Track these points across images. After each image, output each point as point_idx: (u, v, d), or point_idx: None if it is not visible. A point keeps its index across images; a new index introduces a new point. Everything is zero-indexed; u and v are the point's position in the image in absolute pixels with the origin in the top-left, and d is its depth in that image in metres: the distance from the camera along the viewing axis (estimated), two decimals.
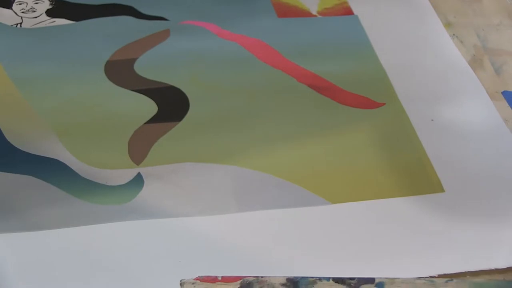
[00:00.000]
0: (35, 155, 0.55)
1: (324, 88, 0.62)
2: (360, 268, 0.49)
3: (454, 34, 0.67)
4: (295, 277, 0.45)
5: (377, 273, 0.48)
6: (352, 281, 0.45)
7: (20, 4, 0.70)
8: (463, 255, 0.50)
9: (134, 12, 0.69)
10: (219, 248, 0.50)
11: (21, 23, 0.68)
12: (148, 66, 0.63)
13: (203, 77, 0.63)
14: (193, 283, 0.45)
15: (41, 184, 0.53)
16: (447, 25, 0.68)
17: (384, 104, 0.61)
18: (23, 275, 0.48)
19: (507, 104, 0.61)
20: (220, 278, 0.45)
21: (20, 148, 0.56)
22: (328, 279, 0.45)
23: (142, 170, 0.55)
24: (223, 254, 0.50)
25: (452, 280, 0.46)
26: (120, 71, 0.63)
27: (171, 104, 0.60)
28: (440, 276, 0.48)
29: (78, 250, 0.49)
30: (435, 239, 0.51)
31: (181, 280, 0.45)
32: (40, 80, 0.62)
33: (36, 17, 0.69)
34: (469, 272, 0.49)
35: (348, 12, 0.70)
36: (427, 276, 0.48)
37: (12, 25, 0.68)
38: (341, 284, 0.45)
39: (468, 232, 0.51)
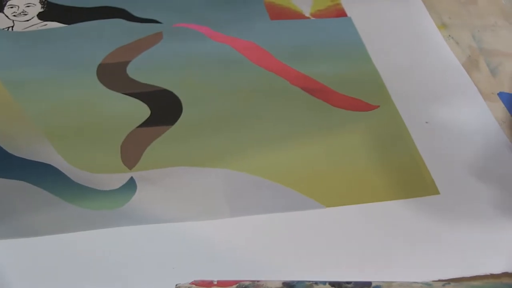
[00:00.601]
0: (26, 159, 0.55)
1: (317, 91, 0.62)
2: (354, 272, 0.49)
3: (449, 35, 0.67)
4: (291, 281, 0.45)
5: (372, 277, 0.48)
6: (349, 285, 0.45)
7: (11, 7, 0.70)
8: (458, 259, 0.50)
9: (127, 15, 0.69)
10: (212, 254, 0.50)
11: (12, 27, 0.68)
12: (140, 69, 0.63)
13: (196, 80, 0.62)
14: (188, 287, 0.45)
15: (32, 189, 0.53)
16: (442, 26, 0.68)
17: (378, 106, 0.61)
18: (14, 282, 0.47)
19: (502, 105, 0.60)
20: (215, 283, 0.45)
21: (12, 153, 0.55)
22: (324, 283, 0.45)
23: (135, 174, 0.54)
24: (216, 260, 0.49)
25: (449, 283, 0.45)
26: (113, 75, 0.63)
27: (164, 108, 0.60)
28: (434, 281, 0.48)
29: (69, 256, 0.49)
30: (430, 242, 0.51)
31: (176, 285, 0.45)
32: (32, 84, 0.61)
33: (27, 21, 0.68)
34: (464, 277, 0.48)
35: (342, 13, 0.70)
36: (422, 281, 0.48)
37: (3, 29, 0.67)
38: None
39: (463, 235, 0.51)
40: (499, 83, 0.62)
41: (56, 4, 0.70)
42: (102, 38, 0.66)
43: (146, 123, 0.58)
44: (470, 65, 0.64)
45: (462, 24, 0.68)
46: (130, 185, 0.54)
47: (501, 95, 0.61)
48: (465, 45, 0.66)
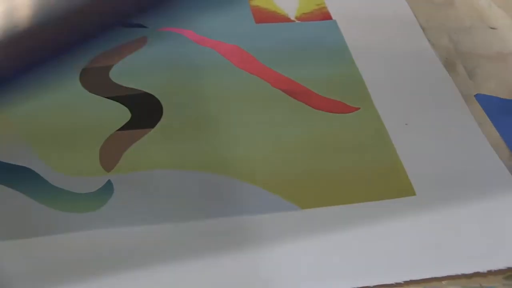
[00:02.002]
0: (5, 162, 0.55)
1: (298, 93, 0.62)
2: (330, 275, 0.49)
3: (426, 38, 0.67)
4: None
5: (348, 279, 0.49)
6: None
7: None
8: (431, 260, 0.50)
9: None
10: (187, 256, 0.50)
11: None
12: (123, 73, 0.63)
13: (177, 84, 0.63)
14: None
15: (8, 192, 0.53)
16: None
17: (358, 108, 0.61)
18: None
19: (480, 107, 0.60)
20: None
21: None
22: None
23: (112, 177, 0.55)
24: (191, 262, 0.49)
25: None
26: (95, 78, 0.63)
27: (144, 111, 0.60)
28: (406, 282, 0.48)
29: (44, 260, 0.49)
30: (403, 243, 0.51)
31: None
32: (13, 87, 0.62)
33: None
34: (434, 278, 0.49)
35: (327, 17, 0.70)
36: (394, 282, 0.48)
37: None
38: None
39: (436, 236, 0.51)
40: (477, 85, 0.62)
41: None
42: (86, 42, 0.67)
43: (126, 126, 0.59)
44: (447, 67, 0.64)
45: (439, 26, 0.68)
46: (107, 188, 0.54)
47: (478, 97, 0.61)
48: (442, 48, 0.66)
